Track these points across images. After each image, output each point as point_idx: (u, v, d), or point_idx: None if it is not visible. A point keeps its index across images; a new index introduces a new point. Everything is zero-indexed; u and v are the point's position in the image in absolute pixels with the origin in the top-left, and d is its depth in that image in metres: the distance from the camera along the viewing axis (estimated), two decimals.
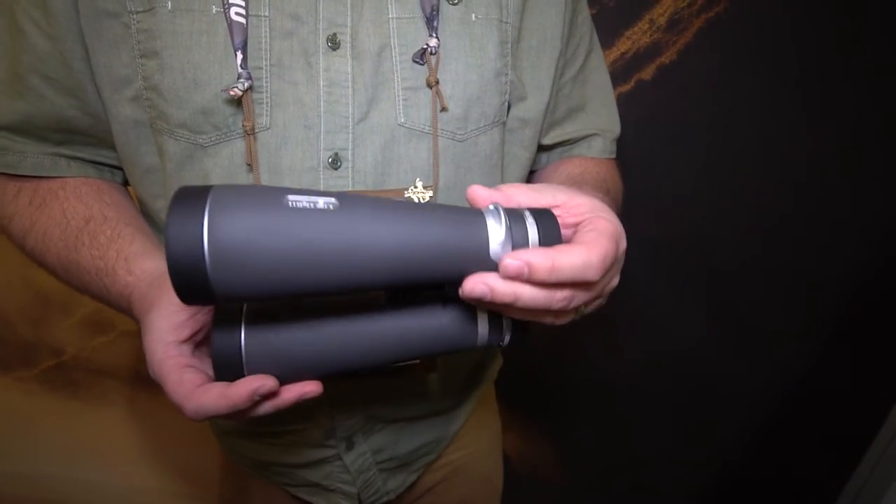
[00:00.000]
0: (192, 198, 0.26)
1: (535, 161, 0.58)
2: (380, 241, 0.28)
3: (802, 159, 0.84)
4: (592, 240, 0.30)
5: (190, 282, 0.26)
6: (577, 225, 0.32)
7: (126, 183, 0.50)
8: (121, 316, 1.21)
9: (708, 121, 0.82)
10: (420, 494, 0.66)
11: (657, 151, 0.85)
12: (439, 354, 0.36)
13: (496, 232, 0.30)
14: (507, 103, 0.47)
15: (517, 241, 0.30)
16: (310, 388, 0.33)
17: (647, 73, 0.80)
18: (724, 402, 1.03)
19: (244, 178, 0.42)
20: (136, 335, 1.14)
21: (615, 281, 0.34)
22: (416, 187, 0.43)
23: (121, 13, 0.39)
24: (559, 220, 0.32)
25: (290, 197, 0.27)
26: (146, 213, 0.48)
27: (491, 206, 0.31)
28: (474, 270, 0.30)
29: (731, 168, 0.85)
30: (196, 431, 1.16)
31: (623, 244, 0.33)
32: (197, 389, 0.32)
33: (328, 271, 0.27)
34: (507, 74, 0.46)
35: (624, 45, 0.79)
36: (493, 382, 0.71)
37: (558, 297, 0.29)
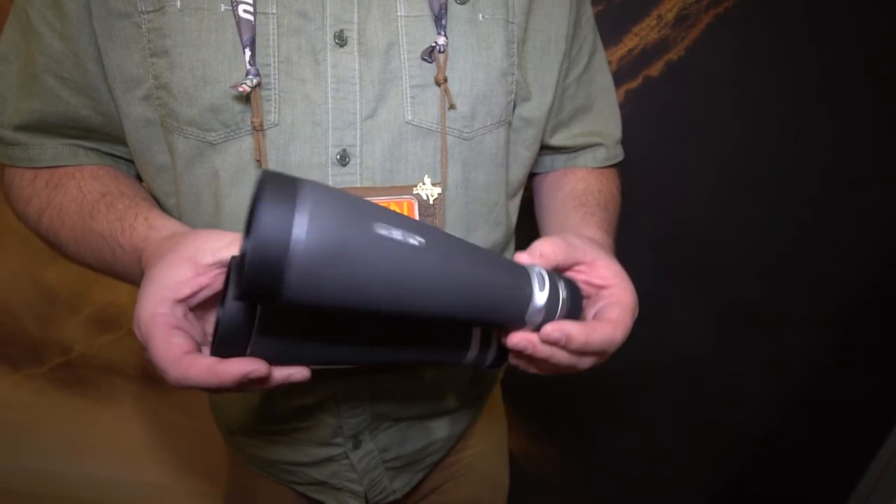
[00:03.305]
0: (288, 189, 0.24)
1: (538, 163, 0.59)
2: (451, 284, 0.30)
3: (812, 157, 0.83)
4: (618, 317, 0.36)
5: (263, 276, 0.23)
6: (602, 288, 0.37)
7: (139, 179, 0.51)
8: (128, 313, 1.21)
9: (716, 118, 0.82)
10: (426, 493, 0.66)
11: (664, 149, 0.84)
12: (427, 363, 0.38)
13: (538, 298, 0.33)
14: (512, 103, 0.48)
15: (549, 310, 0.34)
16: (297, 373, 0.33)
17: (655, 70, 0.79)
18: (730, 404, 1.02)
19: (253, 175, 0.42)
20: None
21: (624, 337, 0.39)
22: (424, 184, 0.44)
23: (132, 13, 0.39)
24: (586, 276, 0.37)
25: (382, 224, 0.26)
26: None
27: (538, 269, 0.34)
28: (507, 321, 0.33)
29: (739, 166, 0.84)
30: (203, 429, 1.16)
31: (636, 312, 0.38)
32: (185, 357, 0.30)
33: (397, 302, 0.28)
34: (512, 74, 0.46)
35: (631, 42, 0.78)
36: (499, 382, 0.71)
37: (585, 362, 0.36)
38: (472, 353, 0.38)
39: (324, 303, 0.26)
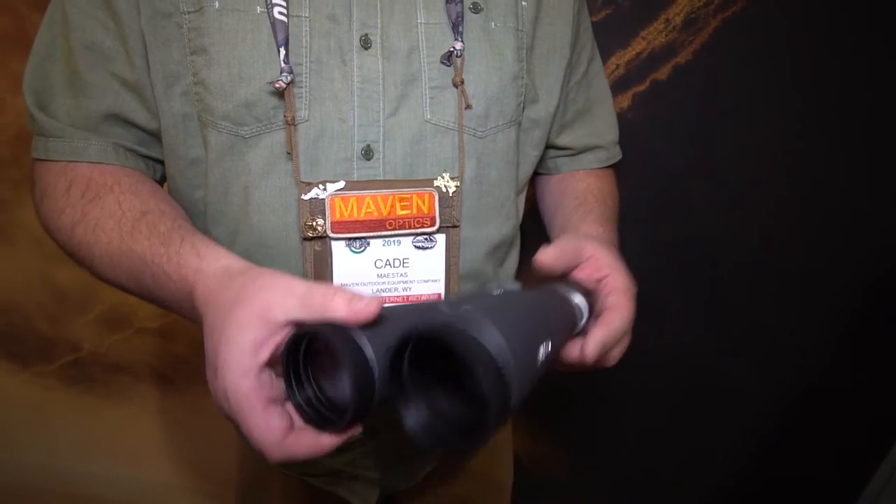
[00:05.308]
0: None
1: (544, 166, 0.63)
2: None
3: (816, 160, 0.84)
4: (618, 302, 0.42)
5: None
6: (601, 279, 0.43)
7: (163, 178, 0.52)
8: (137, 313, 1.21)
9: (723, 122, 0.83)
10: (432, 486, 0.67)
11: (671, 152, 0.85)
12: None
13: (582, 319, 0.42)
14: (522, 104, 0.51)
15: (582, 321, 0.42)
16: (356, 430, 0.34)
17: (663, 74, 0.81)
18: (733, 403, 1.03)
19: (283, 168, 0.44)
20: (152, 332, 1.15)
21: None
22: (443, 177, 0.47)
23: (173, 13, 0.42)
24: (589, 272, 0.44)
25: (543, 348, 0.33)
26: (182, 205, 0.49)
27: (575, 301, 0.41)
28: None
29: (745, 169, 0.85)
30: (211, 428, 1.17)
31: (634, 291, 0.44)
32: (288, 437, 0.31)
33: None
34: (522, 78, 0.50)
35: (639, 45, 0.80)
36: None
37: (616, 352, 0.44)
38: None
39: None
